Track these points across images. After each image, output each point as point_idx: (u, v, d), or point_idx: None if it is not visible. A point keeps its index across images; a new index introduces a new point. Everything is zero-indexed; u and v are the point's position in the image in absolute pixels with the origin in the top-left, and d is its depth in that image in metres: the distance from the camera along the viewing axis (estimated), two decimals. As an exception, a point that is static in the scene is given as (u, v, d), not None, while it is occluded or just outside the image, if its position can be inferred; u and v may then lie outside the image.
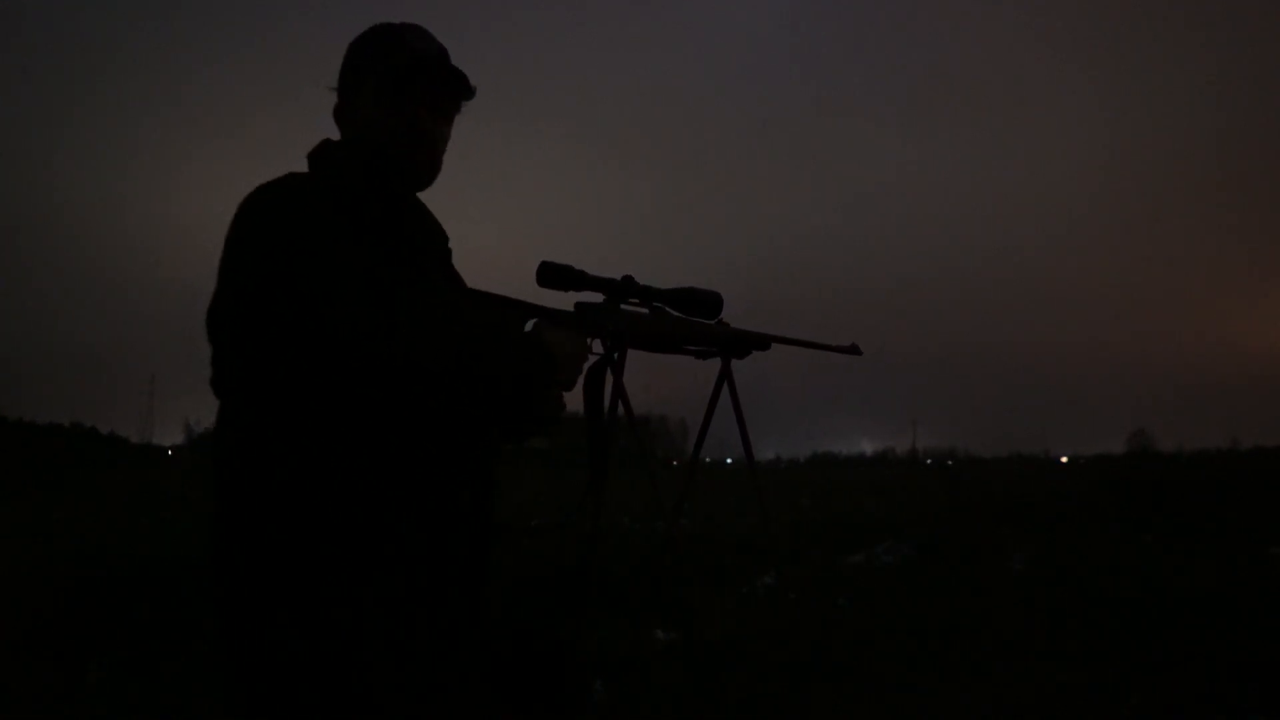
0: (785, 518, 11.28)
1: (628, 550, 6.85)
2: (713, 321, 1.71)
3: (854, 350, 1.95)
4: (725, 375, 1.81)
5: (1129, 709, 3.40)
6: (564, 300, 1.54)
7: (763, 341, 1.80)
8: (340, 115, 1.46)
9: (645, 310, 1.63)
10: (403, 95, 1.40)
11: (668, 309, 1.66)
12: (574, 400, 1.54)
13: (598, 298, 1.57)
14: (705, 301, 1.66)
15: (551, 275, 1.52)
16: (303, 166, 1.41)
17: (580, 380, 1.52)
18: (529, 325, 1.47)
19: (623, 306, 1.59)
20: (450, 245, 1.51)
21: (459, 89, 1.44)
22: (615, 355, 1.59)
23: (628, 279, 1.59)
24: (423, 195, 1.49)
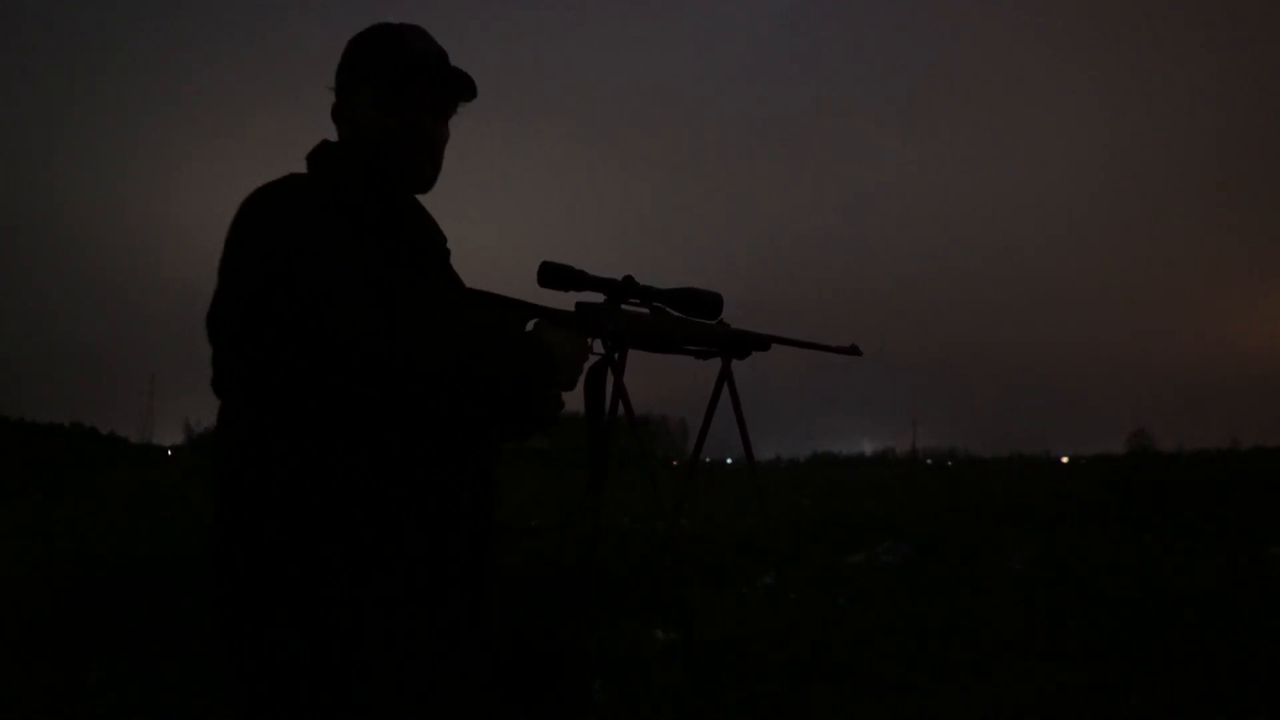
0: (785, 518, 11.29)
1: (628, 550, 6.85)
2: (713, 322, 1.71)
3: (854, 351, 1.95)
4: (725, 375, 1.81)
5: (1129, 709, 3.40)
6: (565, 300, 1.54)
7: (763, 342, 1.80)
8: (338, 115, 1.45)
9: (646, 310, 1.63)
10: (402, 96, 1.40)
11: (668, 309, 1.66)
12: (574, 400, 1.54)
13: (598, 298, 1.57)
14: (706, 302, 1.66)
15: (552, 275, 1.52)
16: (302, 167, 1.41)
17: (581, 380, 1.52)
18: (530, 325, 1.47)
19: (623, 307, 1.59)
20: (448, 246, 1.51)
21: (460, 90, 1.44)
22: (616, 355, 1.59)
23: (628, 279, 1.59)
24: (422, 196, 1.49)
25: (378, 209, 1.37)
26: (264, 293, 1.20)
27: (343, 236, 1.25)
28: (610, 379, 1.60)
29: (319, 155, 1.42)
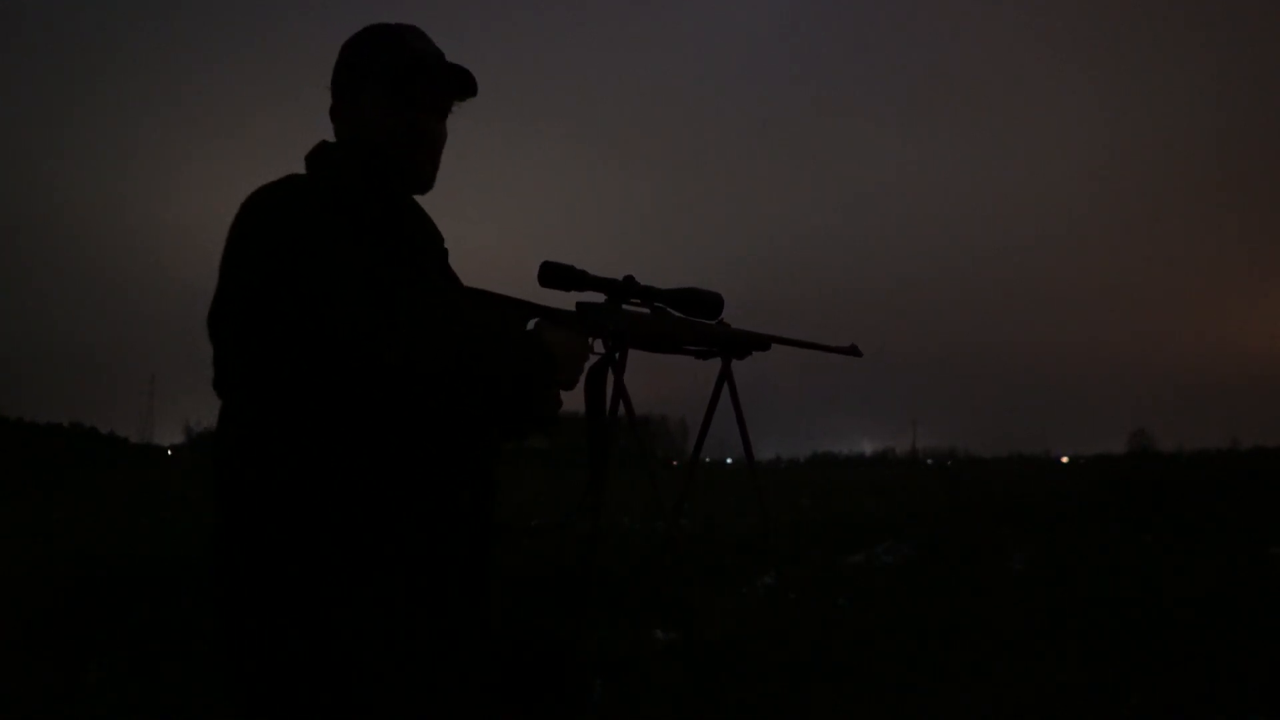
0: (785, 518, 11.29)
1: (628, 550, 6.84)
2: (713, 322, 1.71)
3: (854, 351, 1.96)
4: (725, 375, 1.82)
5: (1129, 709, 3.40)
6: (565, 300, 1.54)
7: (763, 342, 1.80)
8: (337, 115, 1.45)
9: (646, 310, 1.63)
10: (402, 96, 1.40)
11: (669, 309, 1.66)
12: (574, 400, 1.54)
13: (599, 298, 1.58)
14: (706, 302, 1.67)
15: (553, 275, 1.52)
16: (302, 167, 1.41)
17: (581, 380, 1.52)
18: (531, 324, 1.47)
19: (624, 307, 1.60)
20: (446, 246, 1.51)
21: (461, 87, 1.44)
22: (616, 355, 1.60)
23: (629, 279, 1.59)
24: (422, 195, 1.49)
25: (377, 209, 1.37)
26: (265, 292, 1.20)
27: (343, 236, 1.26)
28: (611, 379, 1.60)
29: (317, 156, 1.42)
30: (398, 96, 1.40)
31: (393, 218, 1.40)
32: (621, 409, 1.64)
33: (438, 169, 1.46)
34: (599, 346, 1.57)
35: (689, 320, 1.69)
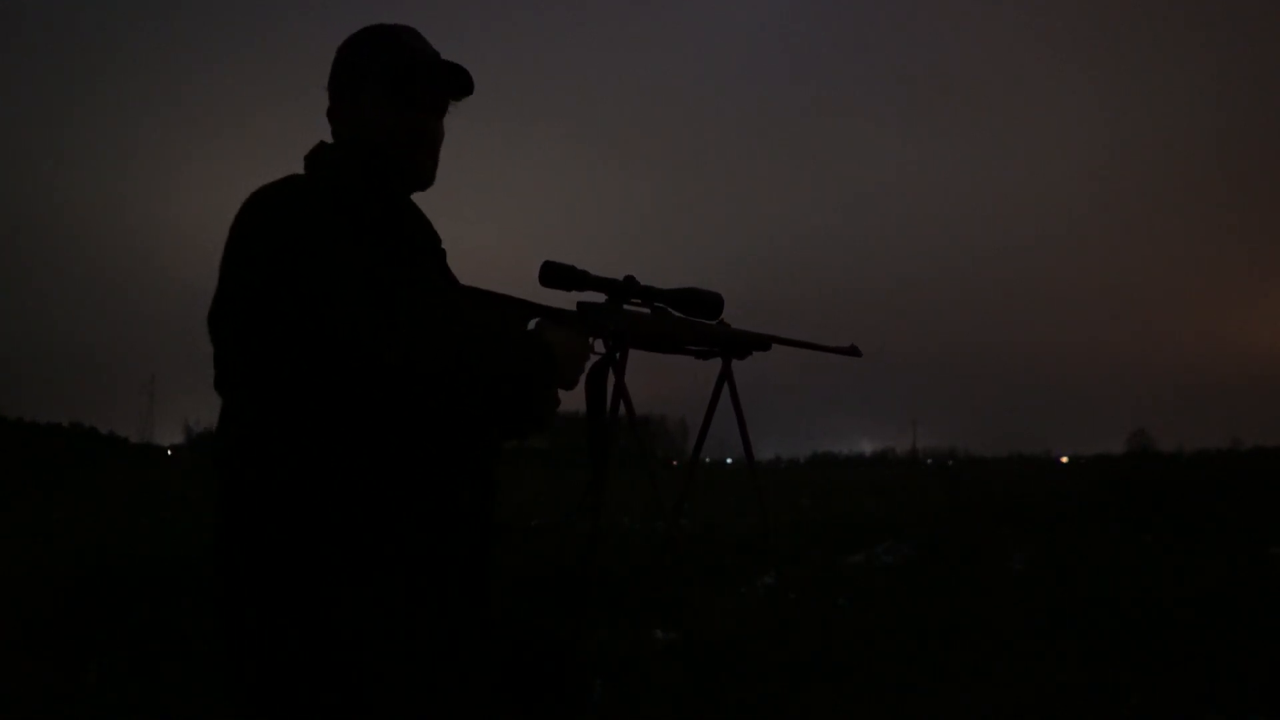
0: (785, 518, 11.28)
1: (628, 550, 6.84)
2: (713, 322, 1.72)
3: (853, 352, 1.96)
4: (725, 375, 1.82)
5: (1129, 709, 3.40)
6: (566, 300, 1.54)
7: (763, 342, 1.80)
8: (335, 116, 1.45)
9: (647, 310, 1.63)
10: (402, 95, 1.40)
11: (669, 309, 1.66)
12: (575, 400, 1.54)
13: (600, 298, 1.58)
14: (706, 302, 1.67)
15: (554, 275, 1.53)
16: (302, 168, 1.42)
17: (582, 380, 1.52)
18: (532, 324, 1.47)
19: (625, 307, 1.60)
20: (443, 247, 1.51)
21: (459, 86, 1.45)
22: (617, 355, 1.60)
23: (630, 279, 1.59)
24: (422, 194, 1.49)
25: (377, 209, 1.37)
26: (265, 292, 1.20)
27: (343, 237, 1.26)
28: (611, 379, 1.61)
29: (316, 157, 1.42)
30: (398, 96, 1.40)
31: (393, 218, 1.40)
32: (622, 409, 1.64)
33: (437, 165, 1.47)
34: (600, 346, 1.58)
35: (689, 320, 1.69)
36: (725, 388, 1.84)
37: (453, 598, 1.34)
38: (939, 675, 3.91)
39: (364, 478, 1.25)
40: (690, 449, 2.07)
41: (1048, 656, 4.12)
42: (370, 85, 1.41)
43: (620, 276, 1.59)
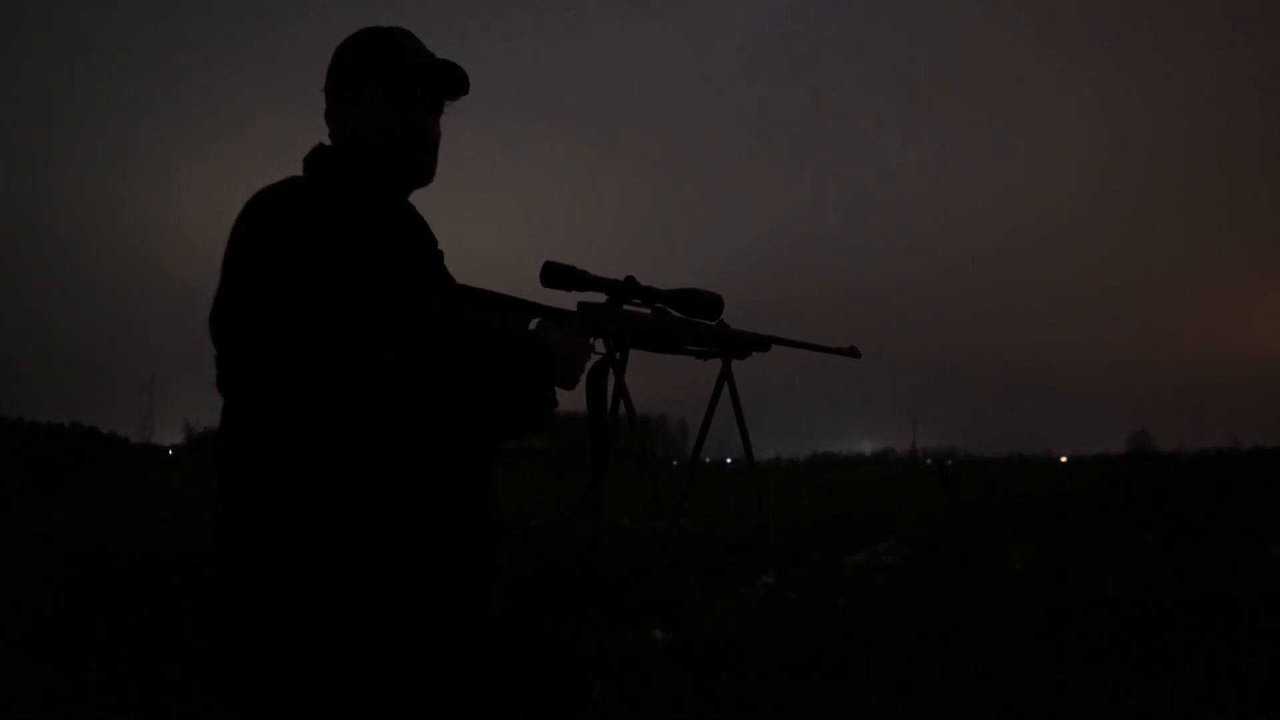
0: (785, 518, 11.29)
1: (628, 550, 6.84)
2: (713, 322, 1.72)
3: (853, 353, 1.96)
4: (725, 375, 1.82)
5: (1129, 709, 3.40)
6: (567, 300, 1.54)
7: (762, 342, 1.81)
8: (334, 117, 1.45)
9: (647, 311, 1.64)
10: (402, 96, 1.41)
11: (669, 310, 1.66)
12: (576, 400, 1.54)
13: (600, 298, 1.58)
14: (707, 302, 1.67)
15: (555, 275, 1.53)
16: (302, 169, 1.42)
17: (582, 380, 1.53)
18: (532, 324, 1.48)
19: (625, 307, 1.60)
20: (440, 248, 1.51)
21: (458, 85, 1.45)
22: (617, 355, 1.60)
23: (630, 279, 1.60)
24: (421, 195, 1.49)
25: (377, 210, 1.38)
26: (266, 292, 1.21)
27: (344, 237, 1.26)
28: (612, 379, 1.61)
29: (315, 158, 1.42)
30: (398, 96, 1.40)
31: (392, 218, 1.40)
32: (622, 409, 1.64)
33: (437, 163, 1.47)
34: (600, 346, 1.58)
35: (689, 320, 1.69)
36: (725, 388, 1.84)
37: (453, 598, 1.34)
38: (939, 675, 3.91)
39: (364, 478, 1.25)
40: (690, 449, 2.07)
41: (1048, 656, 4.12)
42: (370, 86, 1.41)
43: (620, 277, 1.59)
